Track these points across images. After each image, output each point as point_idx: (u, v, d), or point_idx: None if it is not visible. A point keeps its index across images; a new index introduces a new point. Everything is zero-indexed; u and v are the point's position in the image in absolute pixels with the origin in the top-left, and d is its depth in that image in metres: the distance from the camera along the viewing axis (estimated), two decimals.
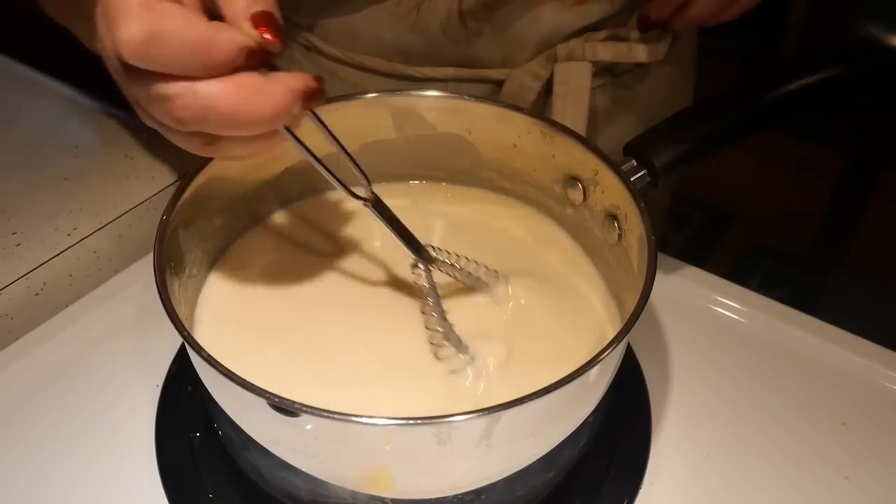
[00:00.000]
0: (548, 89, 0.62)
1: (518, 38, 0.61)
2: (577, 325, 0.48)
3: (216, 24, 0.34)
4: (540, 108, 0.62)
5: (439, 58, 0.62)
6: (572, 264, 0.53)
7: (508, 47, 0.61)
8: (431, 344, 0.46)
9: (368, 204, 0.44)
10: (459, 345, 0.45)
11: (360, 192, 0.43)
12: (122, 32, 0.33)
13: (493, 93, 0.64)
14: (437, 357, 0.45)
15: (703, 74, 0.76)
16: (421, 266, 0.46)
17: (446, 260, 0.47)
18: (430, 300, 0.45)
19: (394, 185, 0.57)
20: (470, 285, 0.49)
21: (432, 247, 0.47)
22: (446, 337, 0.45)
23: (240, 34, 0.34)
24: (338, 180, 0.41)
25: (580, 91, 0.60)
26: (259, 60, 0.35)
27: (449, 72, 0.63)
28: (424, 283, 0.46)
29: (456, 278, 0.48)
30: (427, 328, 0.46)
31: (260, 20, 0.35)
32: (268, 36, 0.35)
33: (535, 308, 0.49)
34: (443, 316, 0.45)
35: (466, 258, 0.48)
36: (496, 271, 0.49)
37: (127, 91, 0.37)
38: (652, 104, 0.68)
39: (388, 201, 0.46)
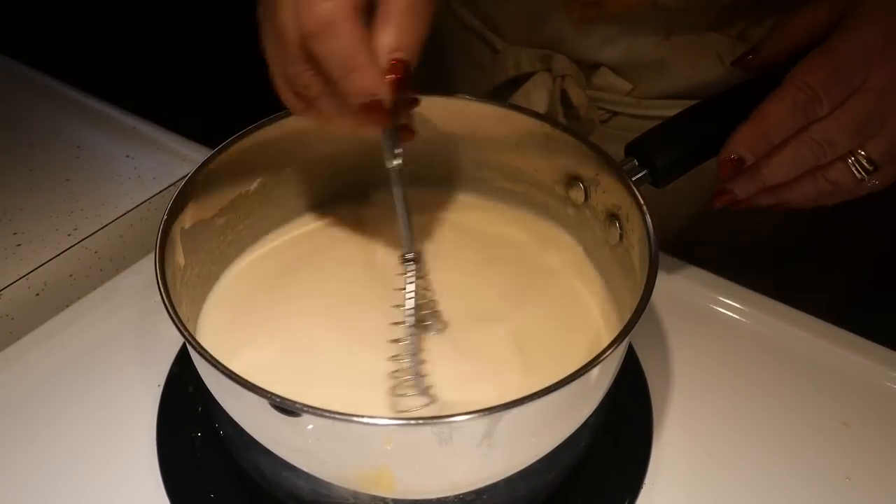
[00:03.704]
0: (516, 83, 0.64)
1: (530, 17, 0.62)
2: (572, 327, 0.48)
3: (374, 56, 0.39)
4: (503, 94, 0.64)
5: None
6: (572, 266, 0.53)
7: (527, 19, 0.63)
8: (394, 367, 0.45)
9: (394, 170, 0.46)
10: (421, 384, 0.44)
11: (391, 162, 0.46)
12: (316, 7, 0.38)
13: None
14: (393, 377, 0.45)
15: None
16: (410, 263, 0.47)
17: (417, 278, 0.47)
18: (410, 319, 0.46)
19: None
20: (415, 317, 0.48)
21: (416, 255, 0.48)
22: (413, 372, 0.44)
23: (380, 80, 0.39)
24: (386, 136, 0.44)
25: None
26: (378, 108, 0.40)
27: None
28: (410, 287, 0.46)
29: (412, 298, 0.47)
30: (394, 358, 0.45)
31: (395, 69, 0.39)
32: (395, 87, 0.40)
33: (533, 312, 0.49)
34: (415, 350, 0.45)
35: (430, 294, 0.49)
36: (440, 315, 0.48)
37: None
38: None
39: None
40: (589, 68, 0.63)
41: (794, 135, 0.47)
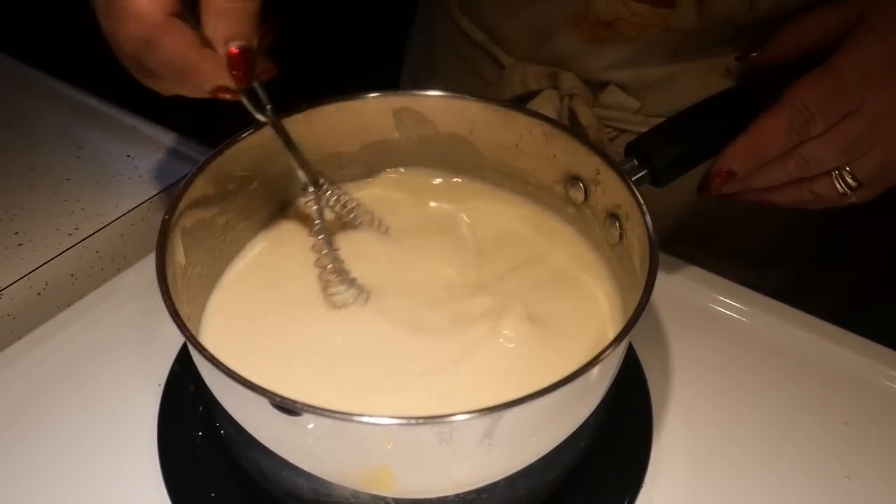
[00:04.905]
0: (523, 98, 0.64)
1: (538, 33, 0.62)
2: (579, 321, 0.48)
3: (206, 52, 0.39)
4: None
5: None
6: (578, 258, 0.52)
7: (535, 35, 0.62)
8: (320, 280, 0.48)
9: (269, 124, 0.45)
10: (348, 280, 0.47)
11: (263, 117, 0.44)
12: (126, 29, 0.38)
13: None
14: (325, 291, 0.48)
15: None
16: (311, 191, 0.48)
17: (339, 197, 0.50)
18: (320, 235, 0.47)
19: (392, 176, 0.57)
20: (355, 224, 0.52)
21: (325, 178, 0.49)
22: (335, 271, 0.47)
23: (219, 71, 0.39)
24: (247, 100, 0.43)
25: None
26: (227, 91, 0.41)
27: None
28: (314, 210, 0.48)
29: (341, 216, 0.51)
30: (316, 265, 0.48)
31: (235, 61, 0.39)
32: (239, 74, 0.39)
33: (536, 305, 0.49)
34: (332, 248, 0.48)
35: (357, 201, 0.51)
36: (382, 221, 0.52)
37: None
38: None
39: (388, 194, 0.48)
40: (597, 86, 0.63)
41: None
